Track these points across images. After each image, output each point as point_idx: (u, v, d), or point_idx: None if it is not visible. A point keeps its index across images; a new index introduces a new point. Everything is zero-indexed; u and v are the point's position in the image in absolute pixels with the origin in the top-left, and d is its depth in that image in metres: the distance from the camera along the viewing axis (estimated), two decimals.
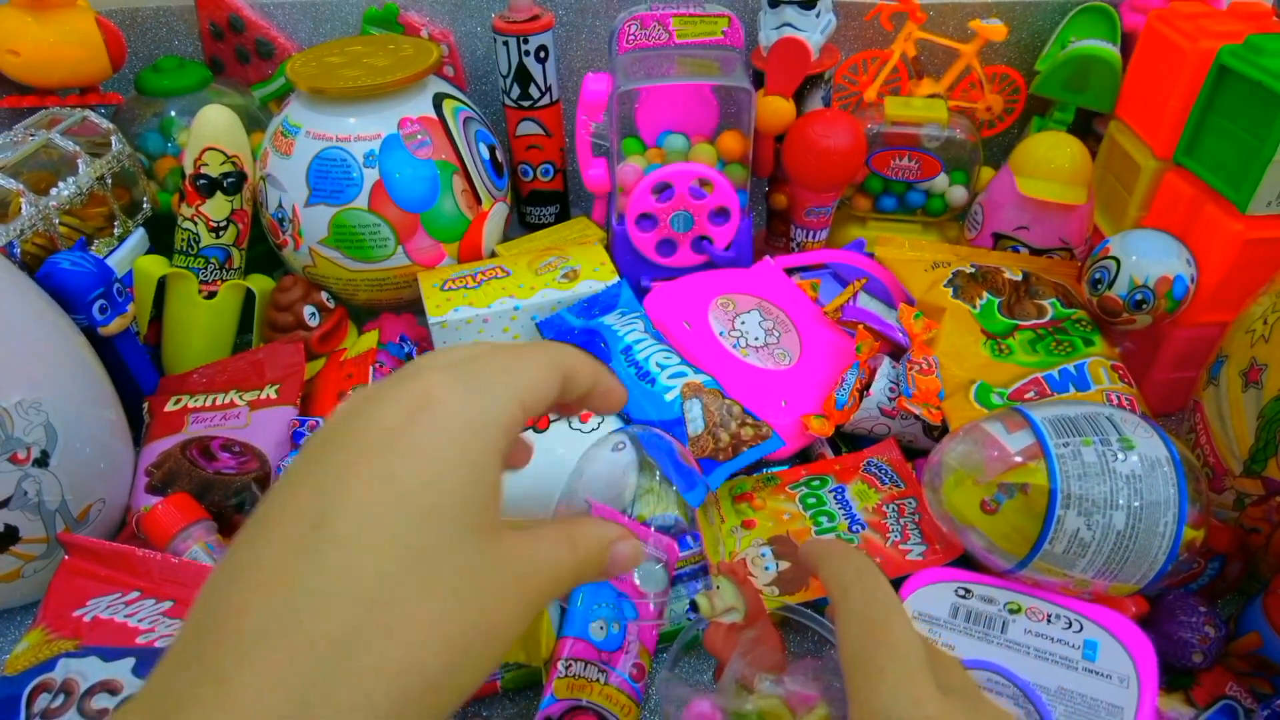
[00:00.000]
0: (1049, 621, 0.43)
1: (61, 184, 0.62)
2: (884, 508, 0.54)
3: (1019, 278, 0.63)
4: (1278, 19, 0.60)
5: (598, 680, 0.43)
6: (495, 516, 0.22)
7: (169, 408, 0.61)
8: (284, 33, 0.79)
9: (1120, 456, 0.42)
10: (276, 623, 0.19)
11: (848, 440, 0.62)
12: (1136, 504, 0.41)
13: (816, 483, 0.56)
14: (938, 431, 0.57)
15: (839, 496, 0.55)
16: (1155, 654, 0.41)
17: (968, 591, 0.45)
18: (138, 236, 0.68)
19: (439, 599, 0.20)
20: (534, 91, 0.75)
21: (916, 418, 0.57)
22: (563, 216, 0.84)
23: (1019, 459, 0.44)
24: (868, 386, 0.58)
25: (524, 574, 0.22)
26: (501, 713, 0.46)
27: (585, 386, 0.27)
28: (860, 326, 0.62)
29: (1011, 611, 0.44)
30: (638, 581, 0.49)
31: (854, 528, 0.52)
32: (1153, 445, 0.43)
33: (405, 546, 0.20)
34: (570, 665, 0.43)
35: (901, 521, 0.53)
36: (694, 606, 0.47)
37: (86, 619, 0.46)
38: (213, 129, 0.65)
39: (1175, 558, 0.42)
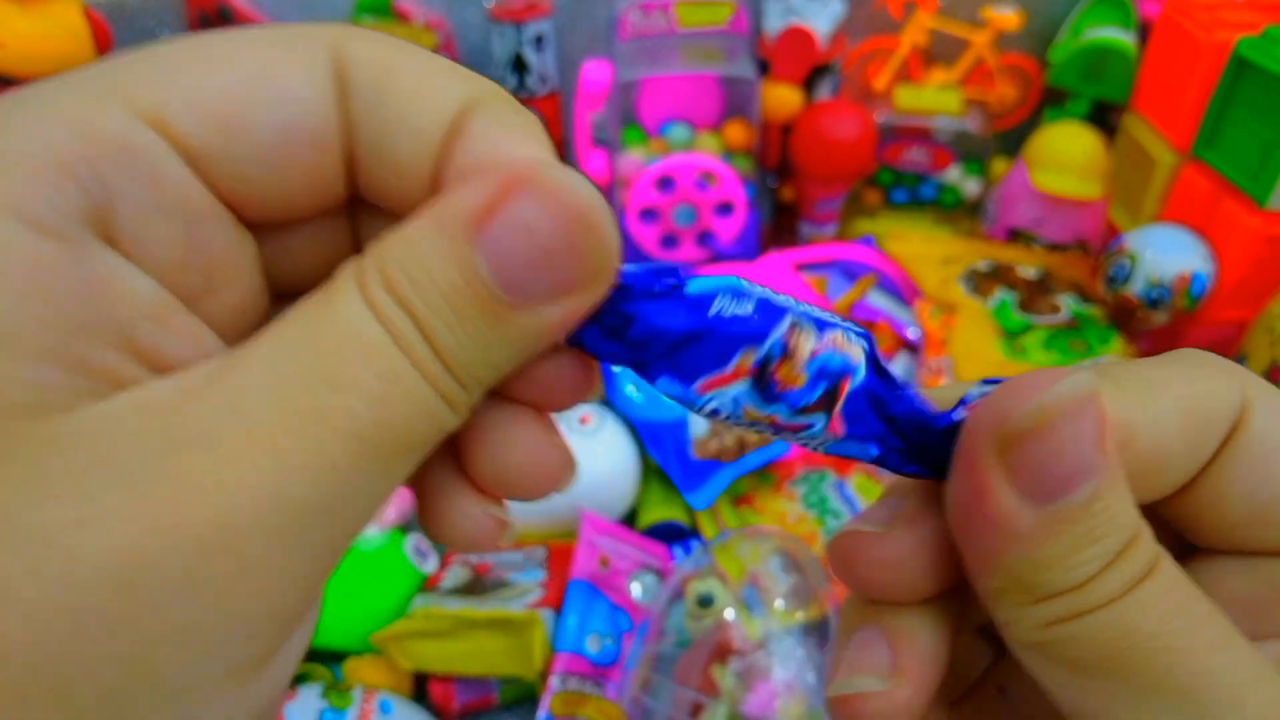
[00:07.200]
0: None
1: None
2: None
3: (1034, 274, 0.62)
4: None
5: (593, 695, 0.42)
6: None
7: None
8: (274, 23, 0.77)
9: None
10: None
11: None
12: None
13: (815, 477, 0.55)
14: None
15: (842, 492, 0.53)
16: None
17: None
18: None
19: None
20: (531, 81, 0.74)
21: None
22: None
23: None
24: None
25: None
26: None
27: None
28: (880, 322, 0.60)
29: None
30: (635, 595, 0.47)
31: None
32: None
33: None
34: (566, 680, 0.42)
35: None
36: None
37: None
38: None
39: None
